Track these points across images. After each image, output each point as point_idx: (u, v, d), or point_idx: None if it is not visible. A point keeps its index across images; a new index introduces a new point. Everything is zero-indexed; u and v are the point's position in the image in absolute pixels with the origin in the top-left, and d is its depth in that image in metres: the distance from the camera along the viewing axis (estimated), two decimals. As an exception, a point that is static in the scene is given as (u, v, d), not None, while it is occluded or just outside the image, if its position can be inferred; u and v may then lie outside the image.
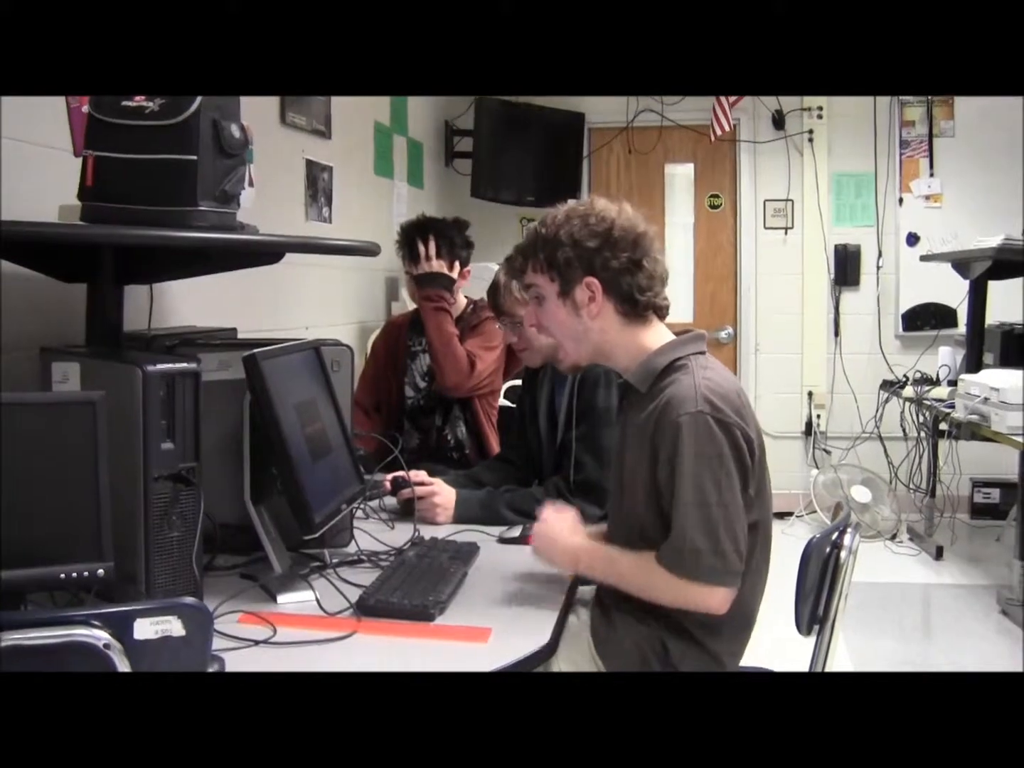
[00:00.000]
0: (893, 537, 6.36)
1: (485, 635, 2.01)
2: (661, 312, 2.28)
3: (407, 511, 2.89)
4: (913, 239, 6.93)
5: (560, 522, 2.30)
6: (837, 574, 2.27)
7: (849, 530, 2.33)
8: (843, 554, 2.28)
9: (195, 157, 2.17)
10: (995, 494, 6.66)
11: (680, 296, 7.17)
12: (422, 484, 2.93)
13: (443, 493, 2.93)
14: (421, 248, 3.98)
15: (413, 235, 4.03)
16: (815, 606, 2.26)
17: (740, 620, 2.22)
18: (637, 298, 2.21)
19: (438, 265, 3.99)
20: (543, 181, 6.73)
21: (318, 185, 4.53)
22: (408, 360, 4.12)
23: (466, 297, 4.14)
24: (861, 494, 6.46)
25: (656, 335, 2.26)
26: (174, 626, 1.42)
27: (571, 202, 2.29)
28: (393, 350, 4.16)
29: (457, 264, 4.04)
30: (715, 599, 2.10)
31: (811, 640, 2.28)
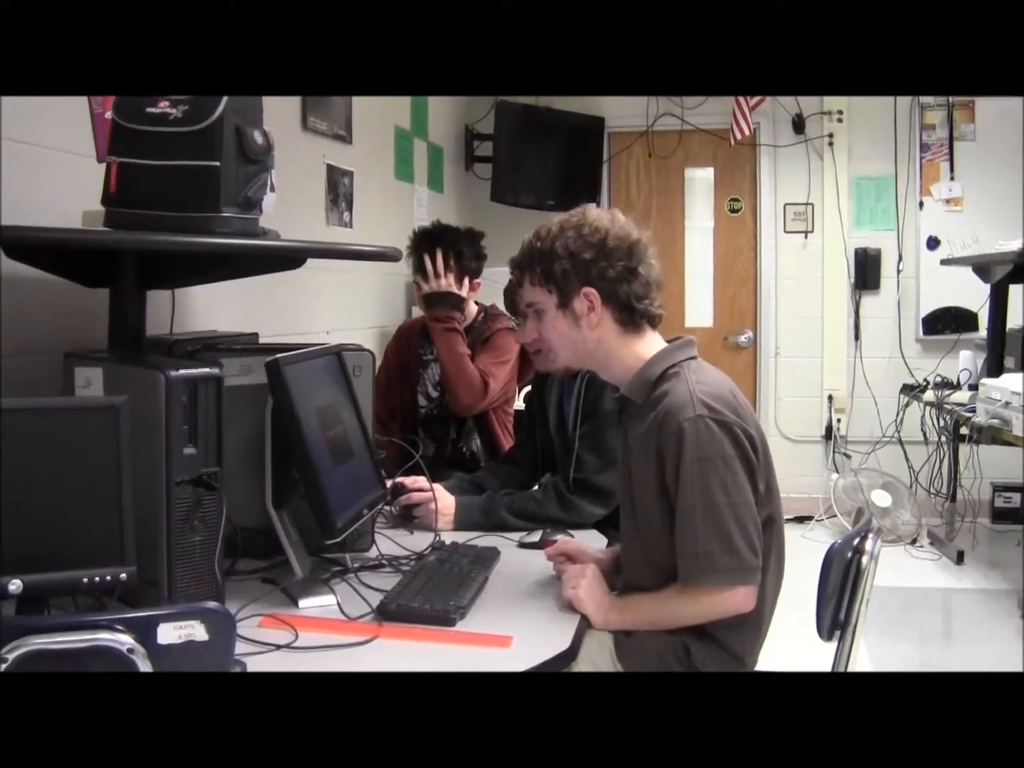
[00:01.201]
0: (914, 542, 6.33)
1: (507, 641, 2.00)
2: (655, 321, 2.30)
3: (406, 518, 2.89)
4: (933, 243, 6.91)
5: (586, 588, 2.24)
6: (859, 579, 2.25)
7: (871, 535, 2.32)
8: (865, 559, 2.26)
9: (218, 163, 2.17)
10: (1016, 498, 6.62)
11: (700, 300, 7.19)
12: (420, 490, 2.90)
13: (442, 499, 2.89)
14: (429, 264, 3.89)
15: (421, 249, 3.94)
16: (836, 611, 2.25)
17: (757, 618, 2.23)
18: (635, 306, 2.24)
19: (447, 283, 3.89)
20: (563, 185, 6.73)
21: (339, 190, 4.53)
22: (420, 369, 4.09)
23: (477, 304, 4.09)
24: (881, 498, 6.44)
25: (650, 344, 2.28)
26: (197, 631, 1.42)
27: (563, 214, 2.30)
28: (404, 358, 4.12)
29: (467, 278, 3.94)
30: (738, 599, 2.13)
31: (832, 645, 2.28)
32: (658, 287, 2.28)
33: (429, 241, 3.94)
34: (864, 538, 2.31)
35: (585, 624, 2.19)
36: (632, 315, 2.24)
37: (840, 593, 2.26)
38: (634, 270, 2.22)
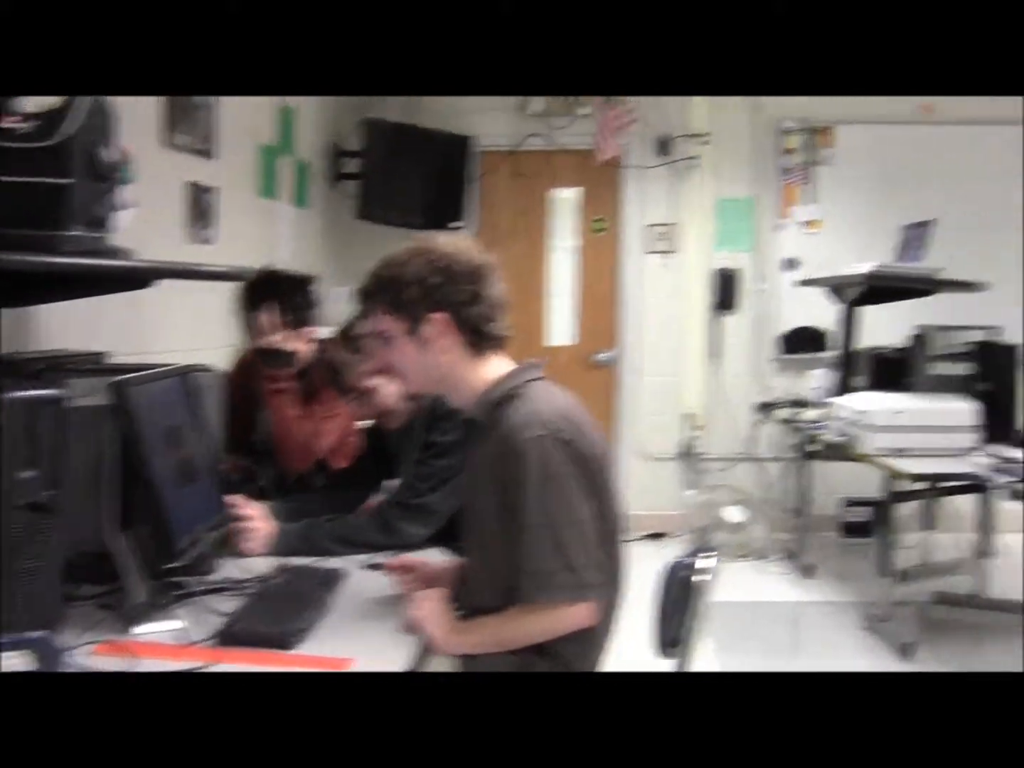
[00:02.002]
0: (766, 557, 6.48)
1: (346, 664, 2.01)
2: (501, 343, 2.35)
3: (224, 543, 2.78)
4: (792, 264, 7.09)
5: (429, 611, 2.28)
6: (695, 597, 2.32)
7: (707, 553, 2.39)
8: (700, 577, 2.33)
9: (68, 181, 2.15)
10: (865, 512, 6.82)
11: (563, 319, 7.25)
12: (240, 515, 2.81)
13: (259, 525, 2.81)
14: (260, 319, 3.63)
15: (248, 306, 3.67)
16: (672, 628, 2.31)
17: (599, 634, 2.30)
18: (482, 329, 2.28)
19: (277, 340, 3.63)
20: (431, 204, 6.73)
21: (200, 206, 4.48)
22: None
23: (312, 341, 3.79)
24: (735, 515, 6.58)
25: (497, 367, 2.33)
26: (23, 661, 1.41)
27: (408, 242, 2.34)
28: (244, 386, 3.82)
29: (300, 327, 3.69)
30: (580, 615, 2.18)
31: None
32: (504, 310, 2.33)
33: (256, 295, 3.67)
34: (701, 556, 2.39)
35: (428, 646, 2.22)
36: (480, 338, 2.29)
37: (677, 610, 2.33)
38: (481, 293, 2.27)
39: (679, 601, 2.31)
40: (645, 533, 6.58)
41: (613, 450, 7.17)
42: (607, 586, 2.27)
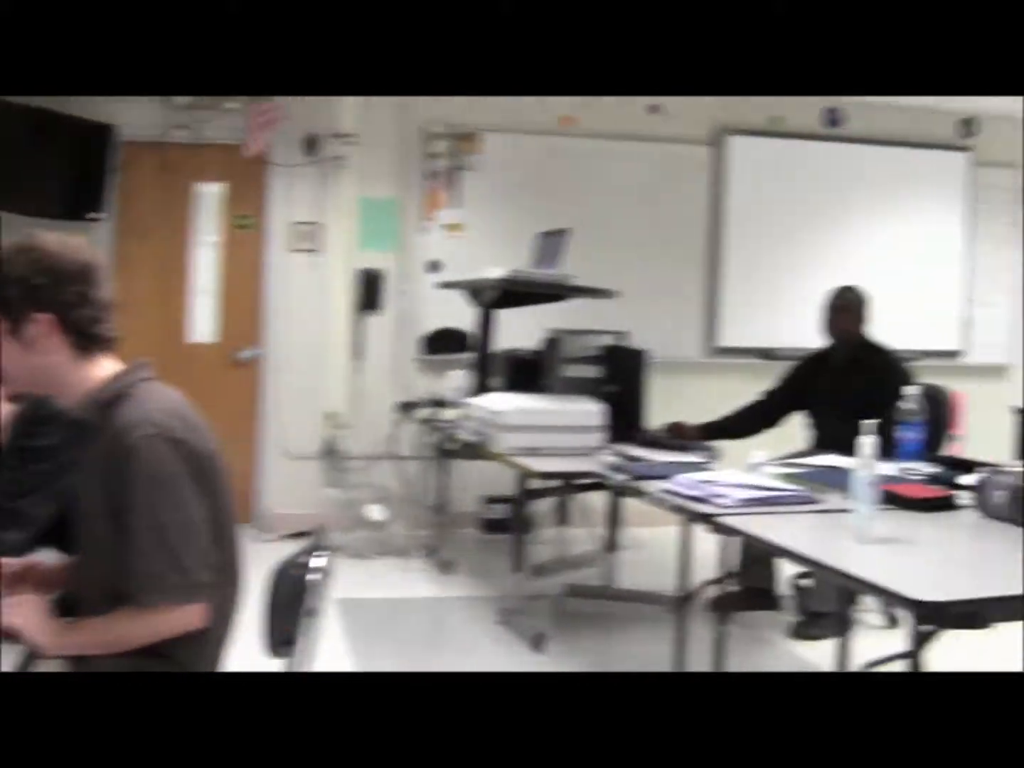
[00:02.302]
0: (406, 554, 6.57)
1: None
2: (111, 344, 2.30)
3: None
4: (435, 266, 7.22)
5: (26, 615, 2.21)
6: (307, 596, 2.32)
7: (322, 551, 2.40)
8: (313, 576, 2.34)
9: None
10: (503, 510, 7.02)
11: (205, 316, 7.10)
12: None
13: None
14: None
15: None
16: (282, 628, 2.30)
17: (212, 633, 2.27)
18: (89, 331, 2.23)
19: None
20: (69, 193, 6.45)
21: None
22: None
23: None
24: (377, 512, 6.65)
25: (105, 367, 2.28)
26: None
27: (14, 239, 2.24)
28: None
29: None
30: (188, 616, 2.16)
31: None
32: (112, 311, 2.27)
33: None
34: (314, 554, 2.39)
35: (34, 649, 2.16)
36: (87, 339, 2.23)
37: (289, 610, 2.32)
38: (88, 295, 2.20)
39: (289, 600, 2.30)
40: (288, 532, 6.54)
41: (256, 449, 7.11)
42: (221, 587, 2.25)
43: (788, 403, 5.63)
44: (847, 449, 2.86)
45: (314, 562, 2.35)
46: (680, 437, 5.09)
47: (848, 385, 5.32)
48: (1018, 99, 7.57)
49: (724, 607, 4.94)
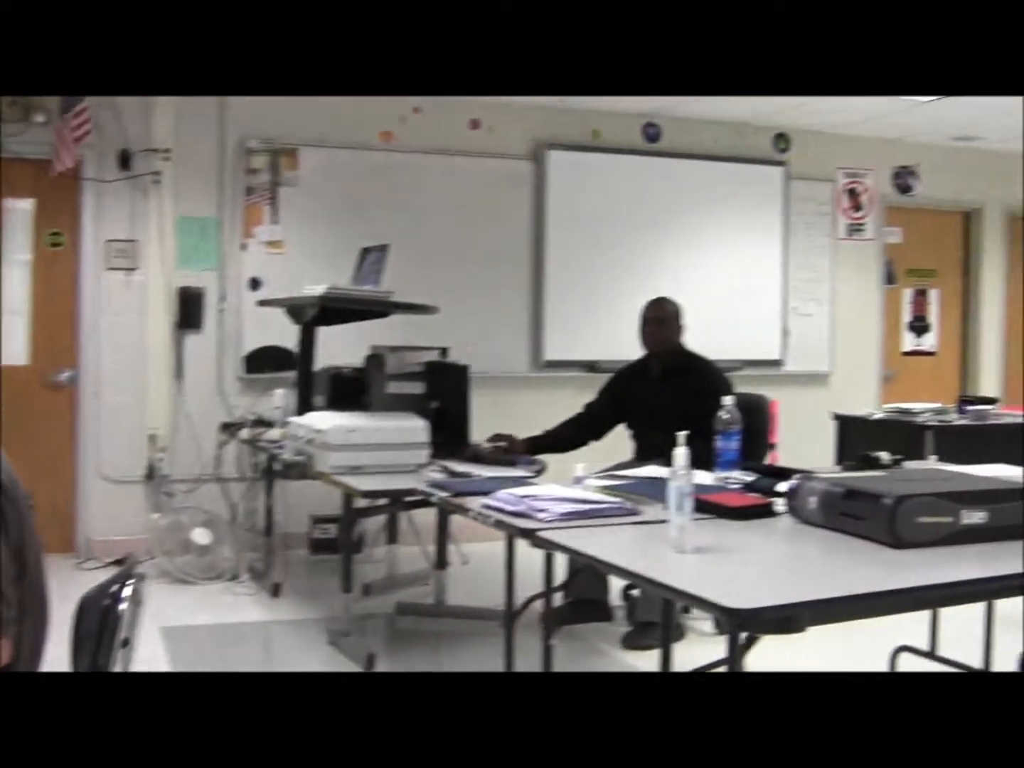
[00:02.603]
0: (234, 578, 6.45)
1: None
2: None
3: None
4: (256, 284, 7.14)
5: None
6: (115, 625, 2.26)
7: (131, 580, 2.34)
8: (122, 605, 2.28)
9: None
10: (332, 529, 6.97)
11: (17, 338, 6.86)
12: None
13: None
14: None
15: None
16: (89, 657, 2.24)
17: (17, 667, 2.20)
18: None
19: None
20: None
21: None
22: None
23: None
24: (203, 536, 6.52)
25: None
26: None
27: None
28: None
29: None
30: None
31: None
32: None
33: None
34: (124, 583, 2.33)
35: None
36: None
37: (97, 640, 2.26)
38: None
39: (98, 631, 2.24)
40: (112, 559, 6.37)
41: (75, 474, 6.92)
42: (23, 621, 2.19)
43: (609, 415, 5.70)
44: (669, 459, 2.91)
45: (124, 591, 2.29)
46: (509, 452, 5.11)
47: (667, 396, 5.41)
48: (828, 114, 7.87)
49: (555, 620, 4.99)
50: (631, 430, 5.65)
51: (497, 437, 5.21)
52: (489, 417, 5.57)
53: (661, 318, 5.63)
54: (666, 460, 3.00)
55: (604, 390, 5.81)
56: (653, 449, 4.56)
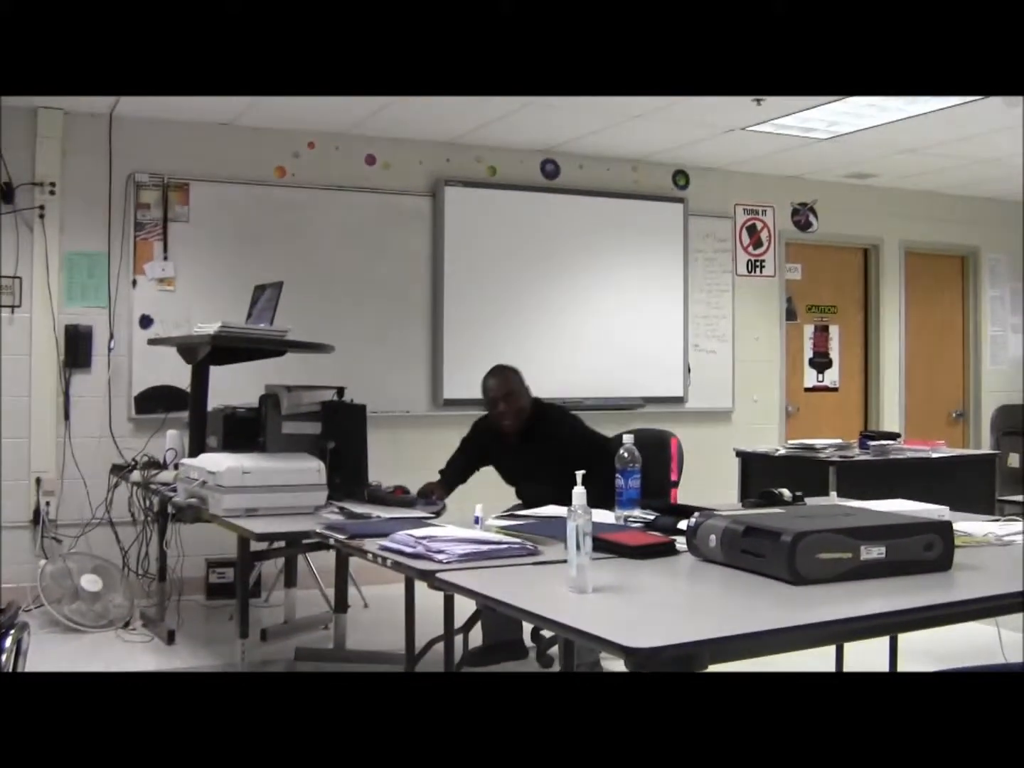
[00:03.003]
0: (126, 625, 6.32)
1: None
2: None
3: None
4: (146, 321, 7.05)
5: None
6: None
7: (11, 631, 2.29)
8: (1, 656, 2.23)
9: None
10: (229, 573, 6.88)
11: None
12: None
13: None
14: None
15: None
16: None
17: None
18: None
19: None
20: None
21: None
22: None
23: None
24: (92, 583, 6.38)
25: None
26: None
27: None
28: None
29: None
30: None
31: None
32: None
33: None
34: (5, 634, 2.28)
35: None
36: None
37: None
38: None
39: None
40: (-7, 609, 6.21)
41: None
42: None
43: (475, 466, 5.60)
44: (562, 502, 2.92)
45: (5, 641, 2.24)
46: (429, 496, 5.09)
47: (530, 456, 5.25)
48: (723, 151, 8.02)
49: (469, 664, 4.98)
50: (508, 483, 5.52)
51: (424, 489, 5.17)
52: (388, 457, 5.55)
53: (509, 392, 5.34)
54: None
55: (465, 447, 5.63)
56: (535, 499, 4.53)
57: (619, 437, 4.13)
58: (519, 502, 5.19)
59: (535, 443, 5.29)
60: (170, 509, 5.59)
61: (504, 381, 5.37)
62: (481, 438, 5.57)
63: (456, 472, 5.52)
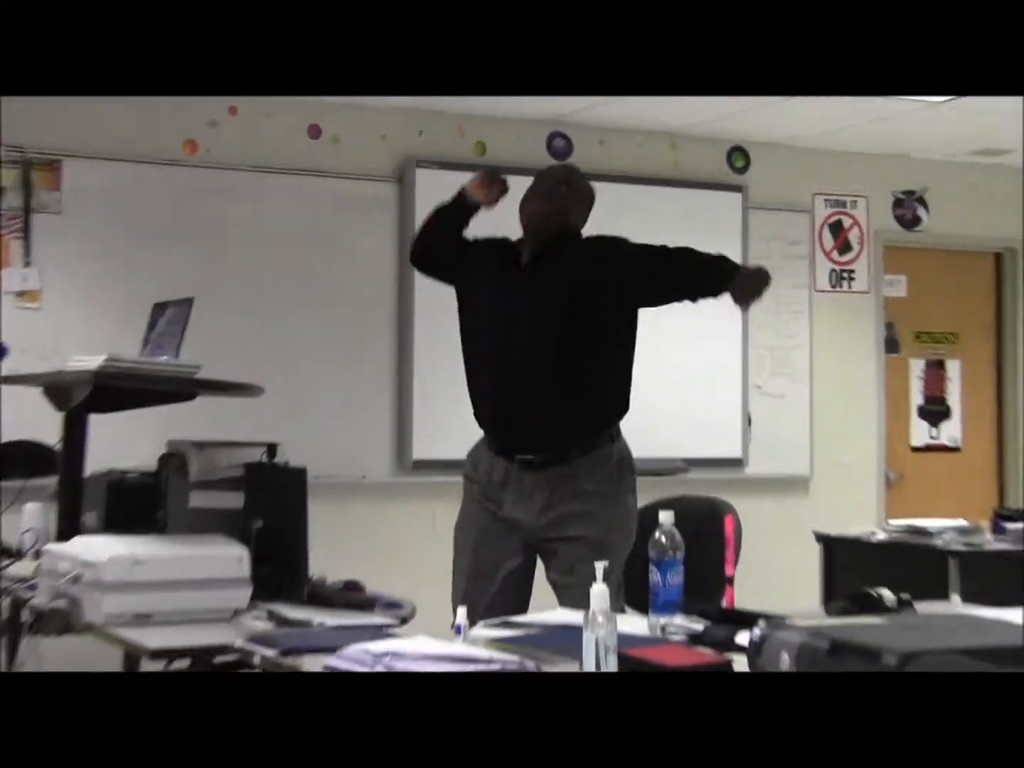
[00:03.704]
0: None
1: None
2: None
3: None
4: (3, 351, 7.05)
5: None
6: None
7: None
8: None
9: None
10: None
11: None
12: None
13: None
14: None
15: None
16: None
17: None
18: None
19: None
20: None
21: None
22: None
23: None
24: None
25: None
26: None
27: None
28: None
29: None
30: None
31: None
32: None
33: None
34: None
35: None
36: None
37: None
38: None
39: None
40: None
41: None
42: None
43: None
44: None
45: None
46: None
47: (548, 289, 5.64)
48: (796, 121, 8.05)
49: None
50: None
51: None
52: (336, 540, 5.53)
53: (581, 195, 5.77)
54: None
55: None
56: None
57: (654, 512, 4.12)
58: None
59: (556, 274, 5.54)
60: (26, 616, 5.58)
61: (583, 185, 5.76)
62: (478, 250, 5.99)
63: None
